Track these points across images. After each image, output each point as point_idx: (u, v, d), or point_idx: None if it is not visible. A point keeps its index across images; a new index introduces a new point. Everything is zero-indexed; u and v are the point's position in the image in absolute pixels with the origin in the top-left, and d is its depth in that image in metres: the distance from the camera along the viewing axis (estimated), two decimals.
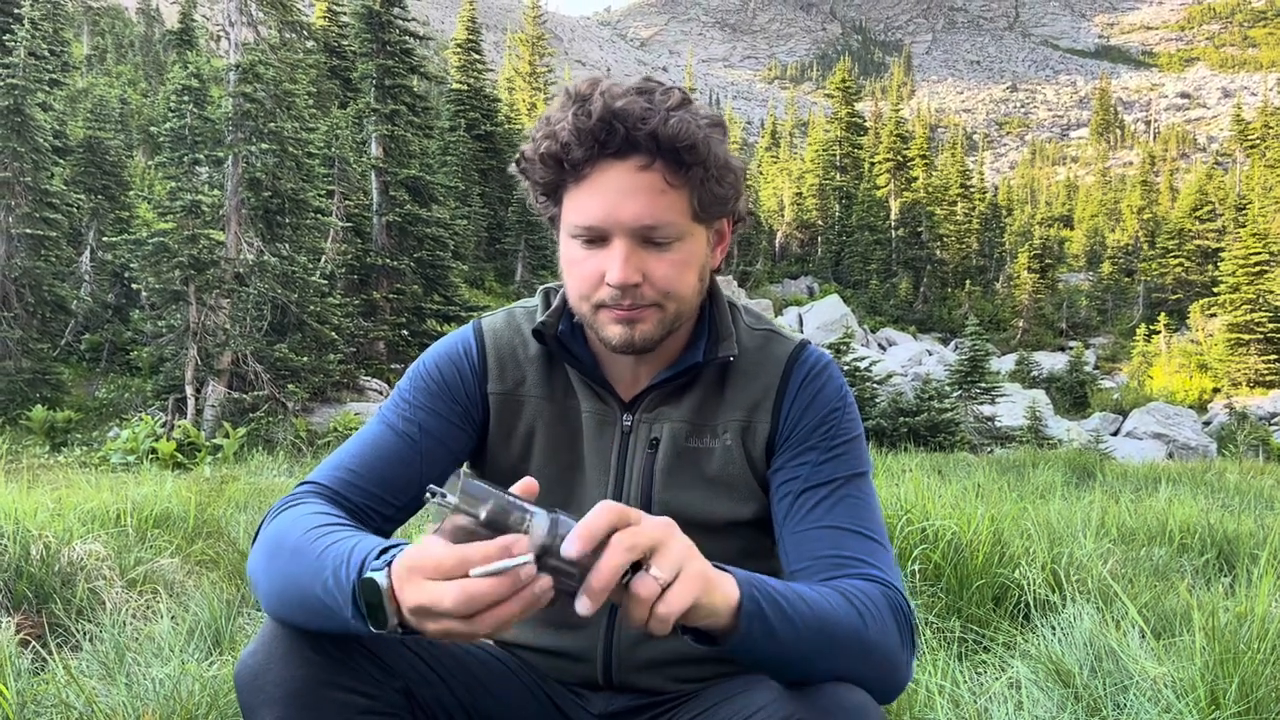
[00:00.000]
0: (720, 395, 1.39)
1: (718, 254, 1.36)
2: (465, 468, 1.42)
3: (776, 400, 1.36)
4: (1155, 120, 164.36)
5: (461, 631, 0.95)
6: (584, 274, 1.28)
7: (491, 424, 1.42)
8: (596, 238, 1.26)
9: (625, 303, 1.25)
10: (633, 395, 1.39)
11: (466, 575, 0.93)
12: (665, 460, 1.37)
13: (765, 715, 1.11)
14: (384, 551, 1.04)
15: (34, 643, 2.73)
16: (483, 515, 0.94)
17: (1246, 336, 39.41)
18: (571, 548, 0.94)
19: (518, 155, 1.30)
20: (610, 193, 1.23)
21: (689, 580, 0.97)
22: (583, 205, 1.25)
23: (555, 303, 1.40)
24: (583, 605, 0.95)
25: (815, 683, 1.10)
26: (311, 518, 1.20)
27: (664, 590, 0.96)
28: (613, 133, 1.20)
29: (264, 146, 17.21)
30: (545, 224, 1.37)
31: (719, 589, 1.01)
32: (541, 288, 1.47)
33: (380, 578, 1.00)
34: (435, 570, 0.94)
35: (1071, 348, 45.10)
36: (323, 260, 20.40)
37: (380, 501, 1.33)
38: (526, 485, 1.02)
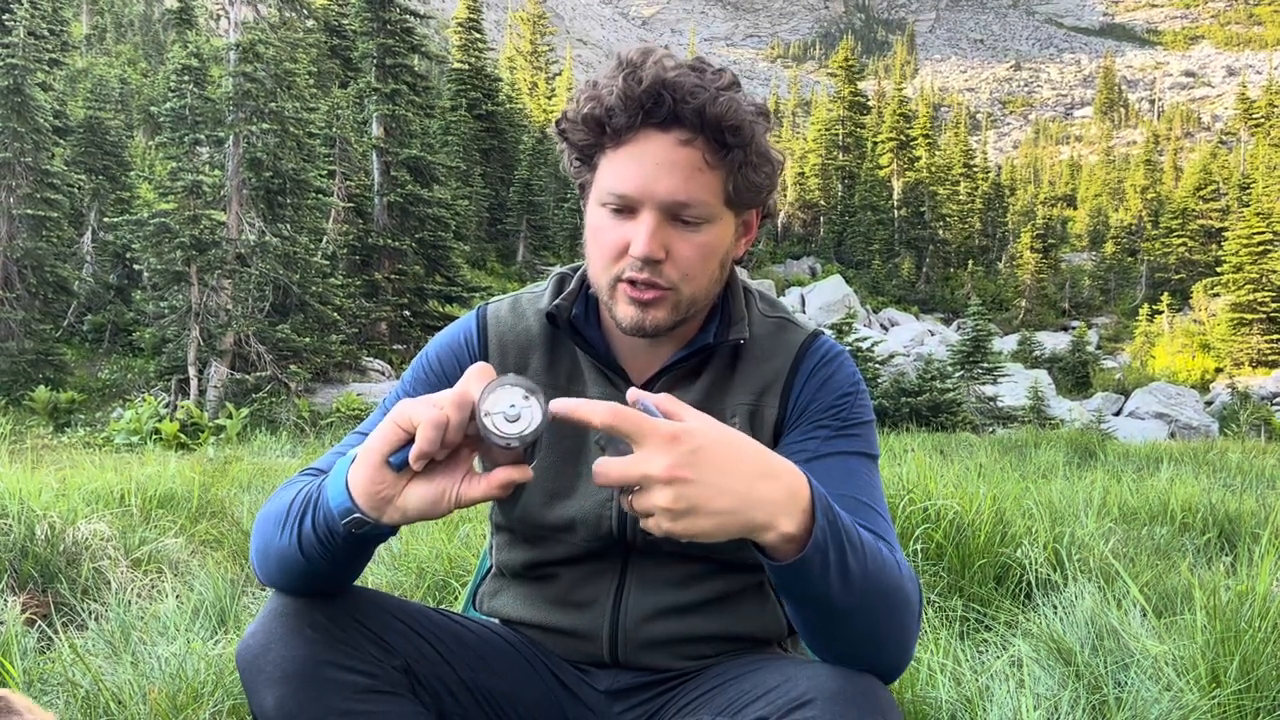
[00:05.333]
0: (730, 379, 1.37)
1: (742, 245, 1.34)
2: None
3: (786, 384, 1.34)
4: (1159, 99, 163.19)
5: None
6: (609, 243, 1.25)
7: None
8: (626, 207, 1.23)
9: (643, 276, 1.23)
10: (644, 380, 1.37)
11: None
12: None
13: (776, 695, 1.09)
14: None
15: (40, 622, 2.74)
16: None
17: (1249, 316, 39.44)
18: (560, 408, 0.94)
19: (558, 116, 1.28)
20: (648, 163, 1.21)
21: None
22: (618, 171, 1.23)
23: (570, 286, 1.38)
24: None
25: (838, 652, 1.07)
26: (289, 483, 1.24)
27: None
28: (660, 102, 1.18)
29: (265, 126, 17.16)
30: (575, 192, 1.33)
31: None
32: (555, 271, 1.45)
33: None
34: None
35: (1074, 328, 45.13)
36: (324, 241, 20.40)
37: None
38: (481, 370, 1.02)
